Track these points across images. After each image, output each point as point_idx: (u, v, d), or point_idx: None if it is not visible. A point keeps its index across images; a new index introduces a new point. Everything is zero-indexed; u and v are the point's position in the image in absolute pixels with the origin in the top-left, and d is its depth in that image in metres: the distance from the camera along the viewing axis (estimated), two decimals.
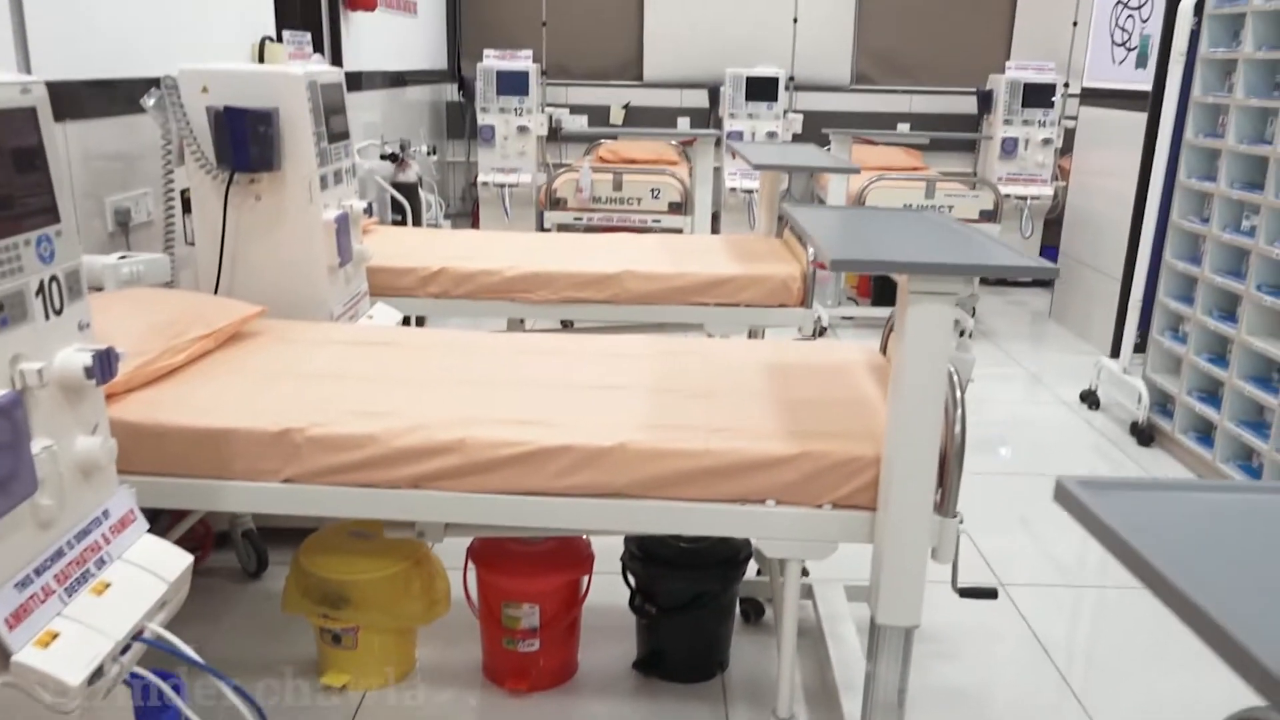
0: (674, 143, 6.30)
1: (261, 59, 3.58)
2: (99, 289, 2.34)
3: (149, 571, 1.54)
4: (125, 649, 1.44)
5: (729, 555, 2.30)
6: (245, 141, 2.62)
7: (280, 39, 3.71)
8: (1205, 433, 3.65)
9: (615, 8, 7.14)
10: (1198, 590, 0.64)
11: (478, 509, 1.92)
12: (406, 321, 3.34)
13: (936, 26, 7.15)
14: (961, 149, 6.96)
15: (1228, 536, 0.76)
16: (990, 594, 2.12)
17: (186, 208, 2.76)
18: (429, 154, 5.51)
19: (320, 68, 2.94)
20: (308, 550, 2.24)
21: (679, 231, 5.28)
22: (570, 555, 2.30)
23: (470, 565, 2.28)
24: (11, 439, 1.35)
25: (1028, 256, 1.81)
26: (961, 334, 5.30)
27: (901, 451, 1.76)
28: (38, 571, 1.39)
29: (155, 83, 2.63)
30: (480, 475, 1.90)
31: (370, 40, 5.21)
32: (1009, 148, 6.16)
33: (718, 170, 5.96)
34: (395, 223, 4.72)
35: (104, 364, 1.51)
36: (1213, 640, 0.61)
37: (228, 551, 2.76)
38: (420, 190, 4.91)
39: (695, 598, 2.28)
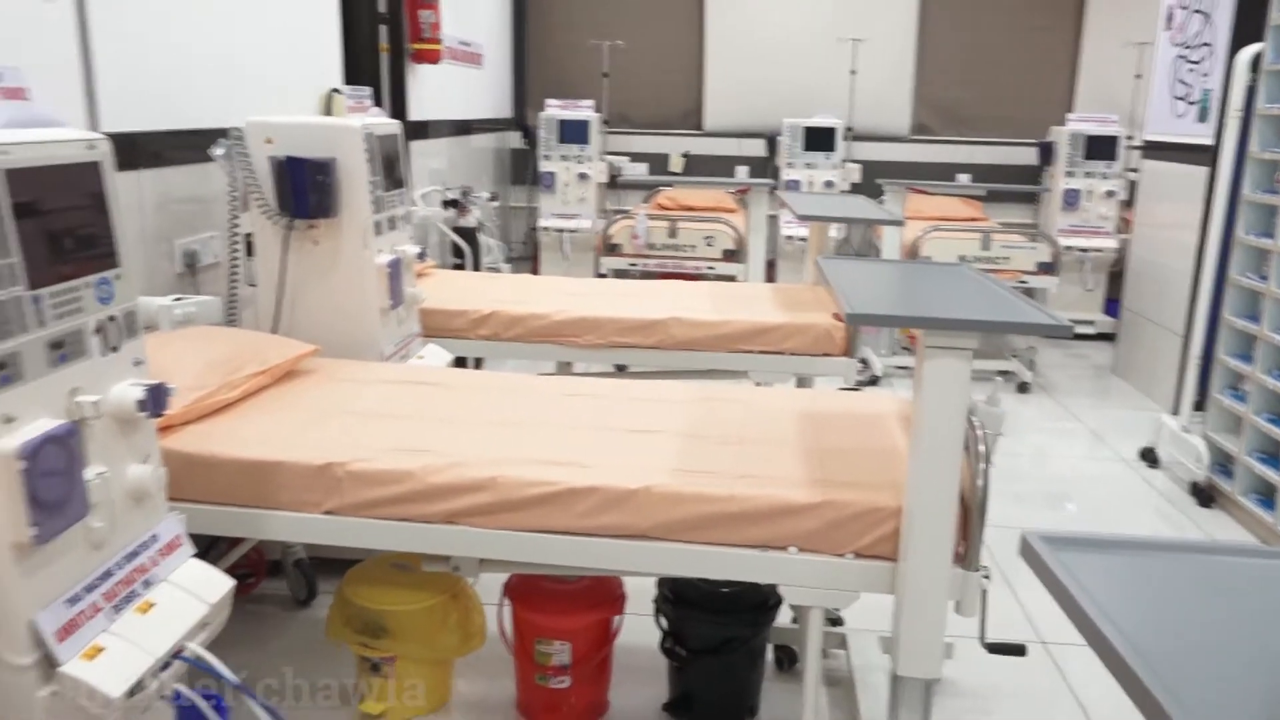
0: (731, 191, 6.38)
1: (330, 109, 3.76)
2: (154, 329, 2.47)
3: (192, 594, 1.63)
4: (166, 666, 1.52)
5: (759, 600, 2.32)
6: (305, 189, 2.76)
7: (340, 91, 3.89)
8: (1266, 495, 3.54)
9: (676, 59, 7.29)
10: (1131, 650, 0.66)
11: (508, 545, 1.98)
12: (460, 363, 3.44)
13: (997, 78, 7.15)
14: (1023, 200, 6.92)
15: (1182, 597, 0.78)
16: (1019, 650, 2.10)
17: (250, 250, 2.91)
18: (490, 200, 5.67)
19: (378, 119, 3.08)
20: (351, 580, 2.32)
21: (732, 279, 5.34)
22: (602, 595, 2.34)
23: (505, 601, 2.34)
24: (66, 466, 1.45)
25: (1045, 313, 1.82)
26: (1021, 387, 5.23)
27: (920, 502, 1.78)
28: (87, 589, 1.49)
29: (224, 133, 2.79)
30: (510, 513, 1.96)
31: (435, 91, 5.41)
32: (1071, 200, 6.11)
33: (774, 218, 6.02)
34: (455, 266, 4.86)
35: (155, 398, 1.61)
36: (1140, 701, 0.63)
37: (280, 580, 2.86)
38: (480, 234, 5.05)
39: (725, 642, 2.30)
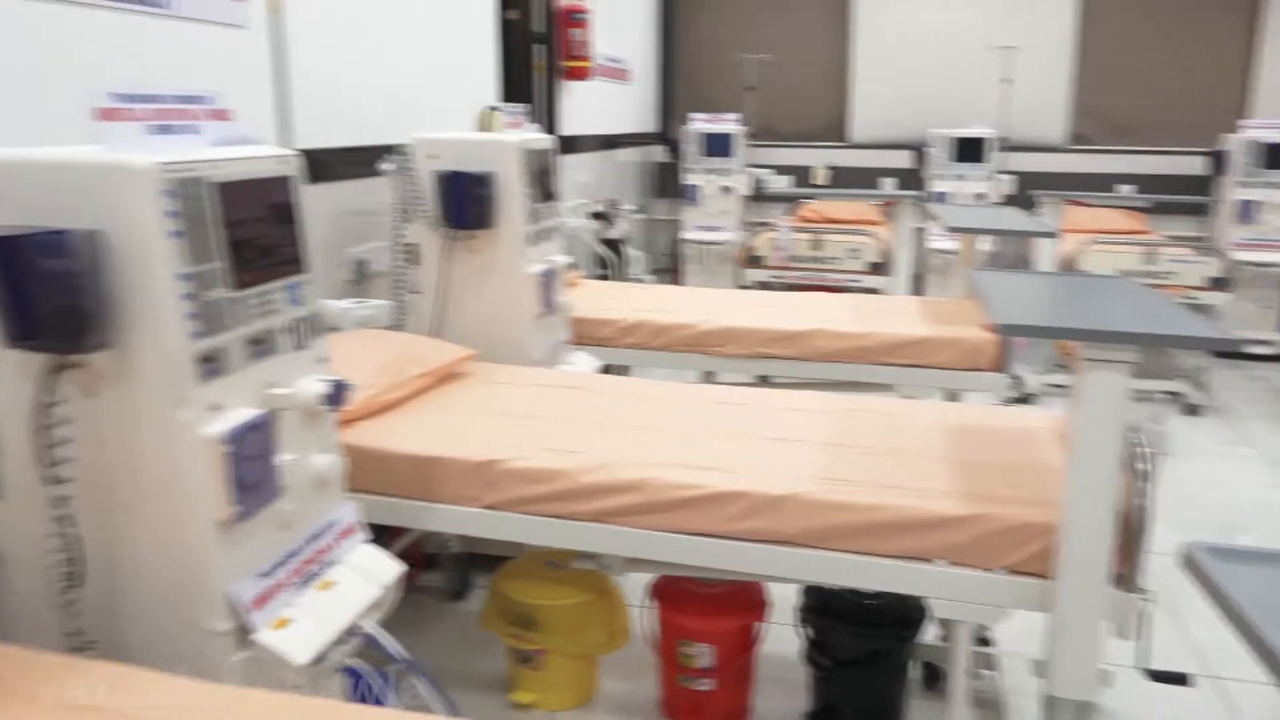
0: (876, 203, 6.30)
1: (487, 126, 3.93)
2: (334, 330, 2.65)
3: (367, 575, 1.75)
4: (343, 640, 1.64)
5: (904, 614, 2.29)
6: (465, 202, 2.91)
7: (498, 109, 4.06)
8: None
9: (821, 71, 7.25)
10: None
11: (655, 546, 2.04)
12: (607, 370, 3.53)
13: (1162, 84, 6.80)
14: (1190, 212, 6.55)
15: None
16: (1182, 680, 2.00)
17: (413, 259, 3.08)
18: (635, 212, 5.78)
19: (533, 135, 3.21)
20: (505, 574, 2.43)
21: (877, 293, 5.27)
22: (745, 600, 2.37)
23: (651, 602, 2.39)
24: (263, 451, 1.59)
25: (1210, 326, 1.74)
26: (1190, 409, 4.94)
27: (1075, 519, 1.73)
28: (277, 565, 1.62)
29: (391, 149, 2.97)
30: (659, 514, 2.02)
31: (584, 106, 5.57)
32: (1246, 212, 5.75)
33: (921, 231, 5.90)
34: (600, 277, 4.98)
35: (338, 393, 1.74)
36: None
37: (437, 573, 3.01)
38: (625, 246, 5.16)
39: (870, 654, 2.28)
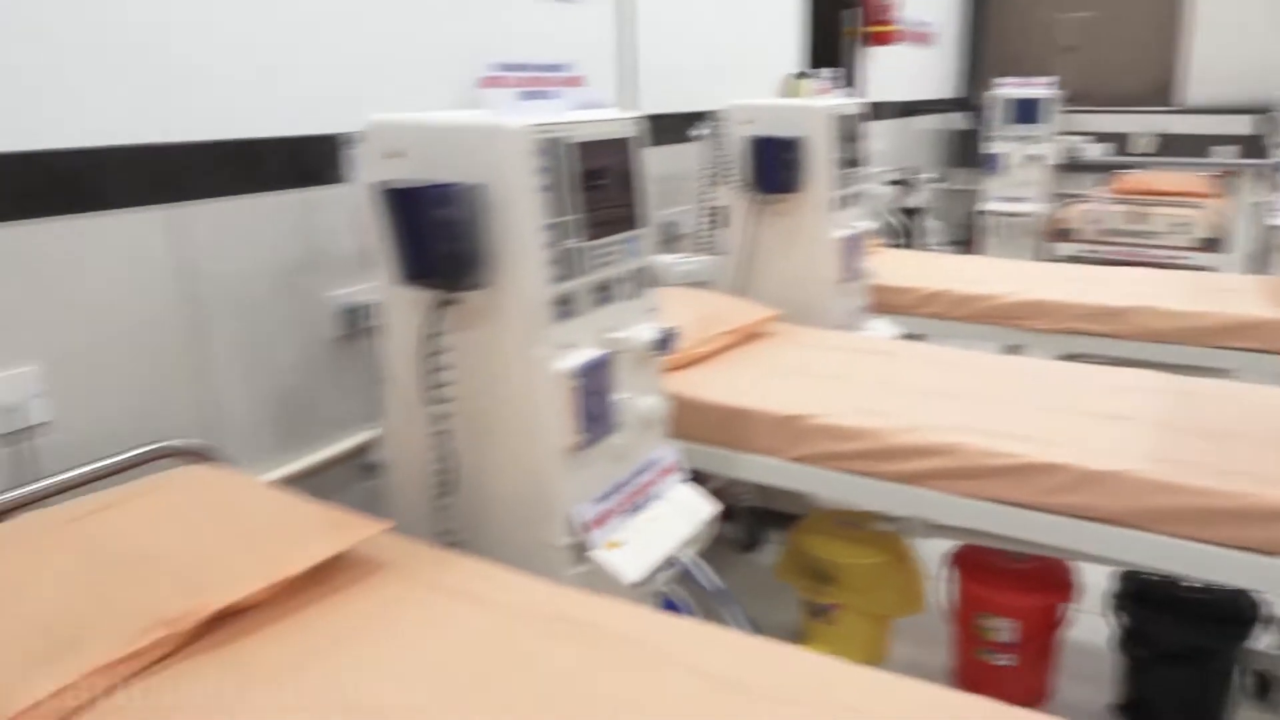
0: (1209, 173, 5.70)
1: (793, 92, 3.97)
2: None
3: (685, 512, 1.88)
4: (664, 568, 1.78)
5: (1235, 610, 2.12)
6: (774, 166, 2.97)
7: (807, 75, 4.08)
8: None
9: (1147, 31, 6.63)
10: None
11: (965, 513, 2.01)
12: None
13: None
14: None
15: None
16: None
17: (721, 222, 3.18)
18: (933, 181, 5.60)
19: (842, 101, 3.20)
20: (804, 529, 2.50)
21: (1204, 270, 4.79)
22: (1052, 578, 2.29)
23: (951, 570, 2.37)
24: (603, 388, 1.75)
25: None
26: None
27: None
28: (610, 493, 1.78)
29: (701, 116, 3.08)
30: (970, 480, 1.99)
31: (887, 72, 5.45)
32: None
33: (1262, 205, 5.28)
34: (895, 245, 4.89)
35: (666, 340, 1.87)
36: None
37: (731, 524, 3.12)
38: (921, 215, 5.03)
39: (1193, 650, 2.14)
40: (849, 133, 3.14)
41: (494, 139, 1.61)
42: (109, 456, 1.68)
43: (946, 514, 2.05)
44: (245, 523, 1.52)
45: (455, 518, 1.77)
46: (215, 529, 1.49)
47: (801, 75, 3.99)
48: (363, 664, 1.31)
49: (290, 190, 2.05)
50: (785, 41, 4.17)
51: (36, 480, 1.60)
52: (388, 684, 1.26)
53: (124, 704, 1.22)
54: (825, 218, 3.02)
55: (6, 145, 1.58)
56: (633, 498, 1.83)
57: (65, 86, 1.65)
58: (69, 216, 1.68)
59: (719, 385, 2.37)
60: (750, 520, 3.07)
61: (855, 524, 2.44)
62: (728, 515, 3.12)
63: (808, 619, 2.50)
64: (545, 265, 1.63)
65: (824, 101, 3.14)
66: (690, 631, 1.40)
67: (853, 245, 3.12)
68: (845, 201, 3.13)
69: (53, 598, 1.29)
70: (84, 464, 1.65)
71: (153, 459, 1.73)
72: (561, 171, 1.65)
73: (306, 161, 2.05)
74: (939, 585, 2.40)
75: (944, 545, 2.36)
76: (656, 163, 3.24)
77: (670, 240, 3.34)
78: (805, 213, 3.04)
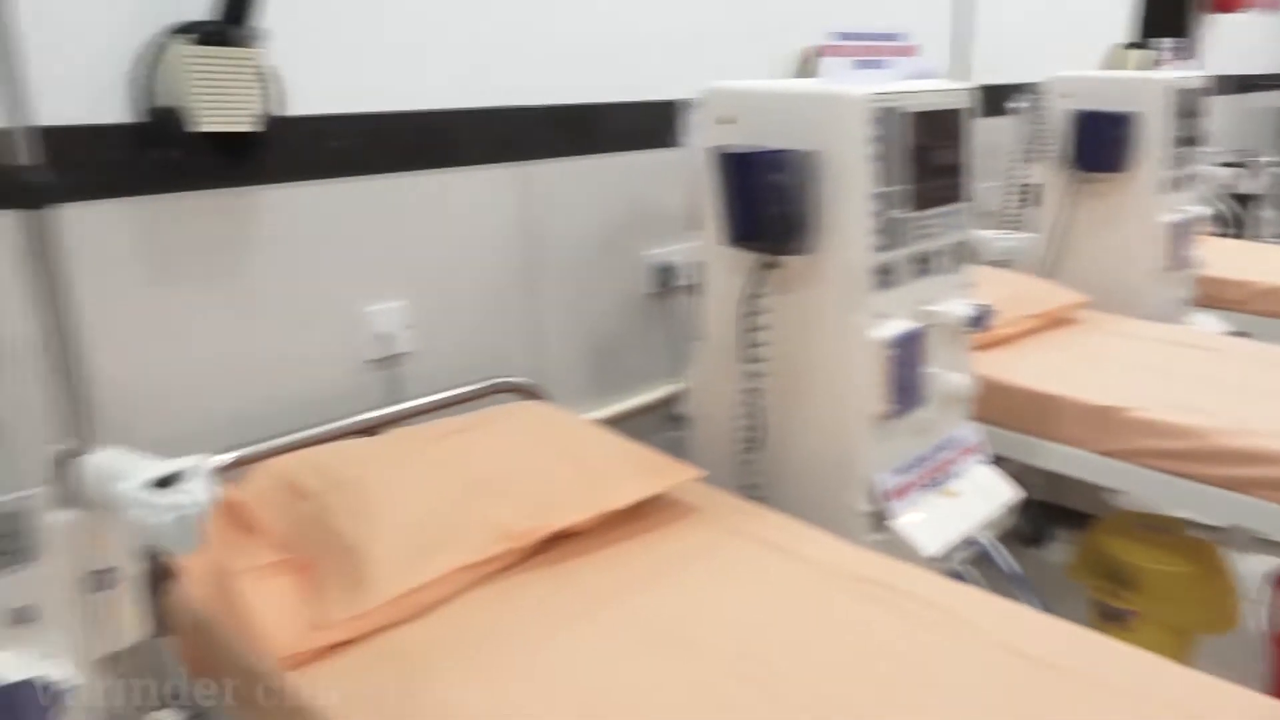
0: None
1: (1118, 65, 3.69)
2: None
3: (986, 493, 1.85)
4: (962, 546, 1.77)
5: None
6: (1099, 143, 2.79)
7: (1143, 45, 3.77)
8: None
9: None
10: None
11: None
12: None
13: None
14: None
15: None
16: None
17: (1033, 201, 3.04)
18: (1273, 165, 5.02)
19: (1182, 73, 2.95)
20: (1104, 529, 2.37)
21: None
22: None
23: (1273, 593, 2.17)
24: (915, 360, 1.75)
25: None
26: None
27: None
28: (912, 466, 1.79)
29: (1019, 89, 2.94)
30: None
31: (1228, 42, 4.93)
32: None
33: None
34: (1226, 235, 4.44)
35: (981, 317, 1.84)
36: None
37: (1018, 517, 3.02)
38: (1257, 203, 4.53)
39: None
40: (1188, 109, 2.89)
41: (831, 107, 1.65)
42: (458, 387, 1.89)
43: (1275, 528, 1.88)
44: (575, 455, 1.66)
45: (759, 473, 1.85)
46: (549, 458, 1.64)
47: (1131, 45, 3.70)
48: (677, 600, 1.40)
49: (619, 153, 2.19)
50: (1115, 9, 3.88)
51: (400, 402, 1.84)
52: (700, 623, 1.34)
53: (473, 601, 1.40)
54: (1153, 200, 2.81)
55: (388, 106, 1.79)
56: (933, 473, 1.82)
57: (434, 55, 1.85)
58: (435, 170, 1.90)
59: (1026, 369, 2.29)
60: (1038, 514, 2.94)
61: (1164, 528, 2.29)
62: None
63: (1099, 621, 2.37)
64: (870, 234, 1.65)
65: (1161, 74, 2.91)
66: (1002, 609, 1.39)
67: (1182, 231, 2.88)
68: (1177, 184, 2.89)
69: (422, 503, 1.48)
70: (439, 391, 1.87)
71: (493, 392, 1.93)
72: (893, 141, 1.66)
73: (635, 126, 2.17)
74: (1258, 606, 2.21)
75: (1269, 562, 2.17)
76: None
77: (980, 218, 3.23)
78: (1130, 194, 2.84)
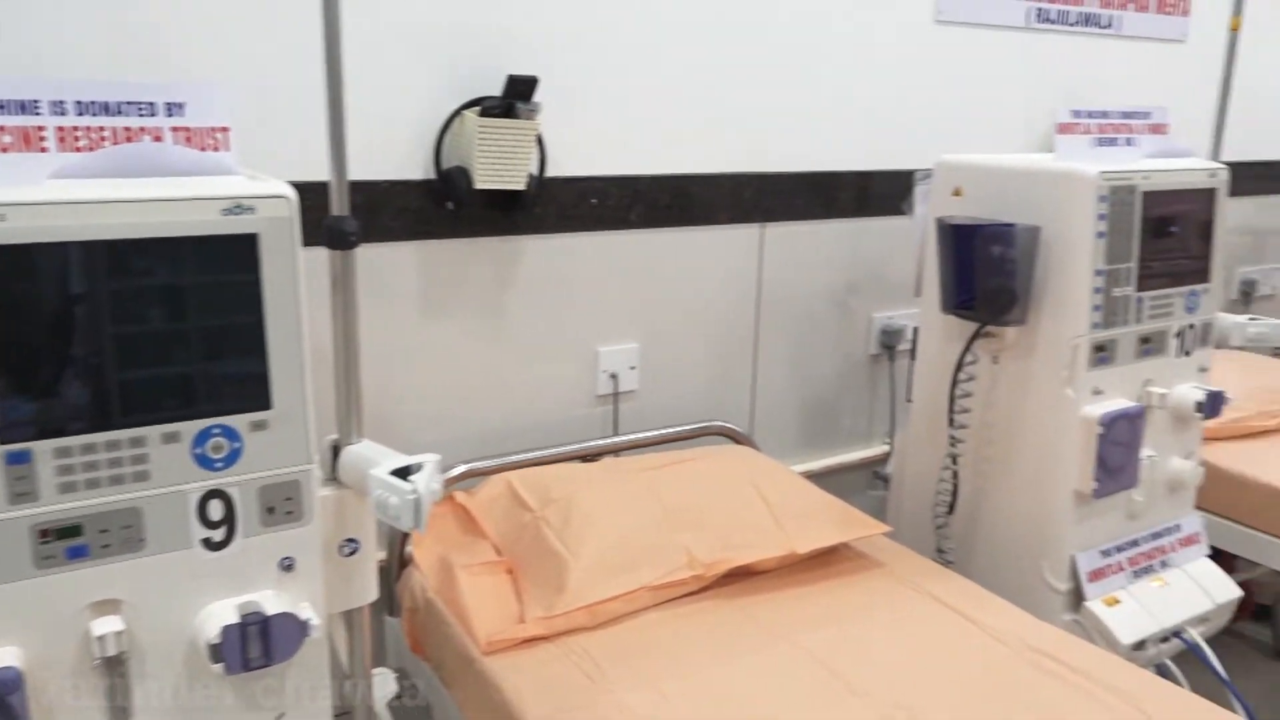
0: None
1: None
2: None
3: (1202, 587, 1.76)
4: (1165, 639, 1.69)
5: None
6: None
7: None
8: None
9: None
10: None
11: None
12: None
13: None
14: None
15: None
16: None
17: None
18: None
19: None
20: None
21: None
22: None
23: None
24: (1129, 440, 1.70)
25: None
26: None
27: None
28: (1118, 549, 1.74)
29: None
30: None
31: None
32: None
33: None
34: None
35: (1213, 403, 1.76)
36: None
37: (1262, 624, 2.75)
38: None
39: None
40: None
41: (1059, 184, 1.66)
42: (672, 426, 2.04)
43: None
44: (770, 498, 1.75)
45: (950, 538, 1.86)
46: (745, 498, 1.74)
47: None
48: (847, 644, 1.45)
49: (852, 219, 2.26)
50: None
51: (619, 435, 2.00)
52: (865, 668, 1.38)
53: (656, 619, 1.52)
54: None
55: (643, 169, 1.97)
56: (1143, 559, 1.76)
57: (686, 124, 2.01)
58: (680, 228, 2.05)
59: (1272, 464, 2.13)
60: None
61: None
62: (1255, 612, 2.75)
63: None
64: (1090, 310, 1.64)
65: None
66: (1196, 711, 1.33)
67: None
68: None
69: (623, 525, 1.63)
70: (655, 429, 2.02)
71: (705, 434, 2.05)
72: (1124, 219, 1.65)
73: (869, 193, 2.25)
74: None
75: None
76: (1239, 214, 2.94)
77: (1249, 301, 3.01)
78: None
